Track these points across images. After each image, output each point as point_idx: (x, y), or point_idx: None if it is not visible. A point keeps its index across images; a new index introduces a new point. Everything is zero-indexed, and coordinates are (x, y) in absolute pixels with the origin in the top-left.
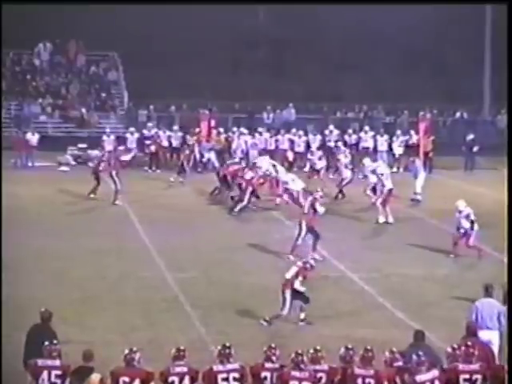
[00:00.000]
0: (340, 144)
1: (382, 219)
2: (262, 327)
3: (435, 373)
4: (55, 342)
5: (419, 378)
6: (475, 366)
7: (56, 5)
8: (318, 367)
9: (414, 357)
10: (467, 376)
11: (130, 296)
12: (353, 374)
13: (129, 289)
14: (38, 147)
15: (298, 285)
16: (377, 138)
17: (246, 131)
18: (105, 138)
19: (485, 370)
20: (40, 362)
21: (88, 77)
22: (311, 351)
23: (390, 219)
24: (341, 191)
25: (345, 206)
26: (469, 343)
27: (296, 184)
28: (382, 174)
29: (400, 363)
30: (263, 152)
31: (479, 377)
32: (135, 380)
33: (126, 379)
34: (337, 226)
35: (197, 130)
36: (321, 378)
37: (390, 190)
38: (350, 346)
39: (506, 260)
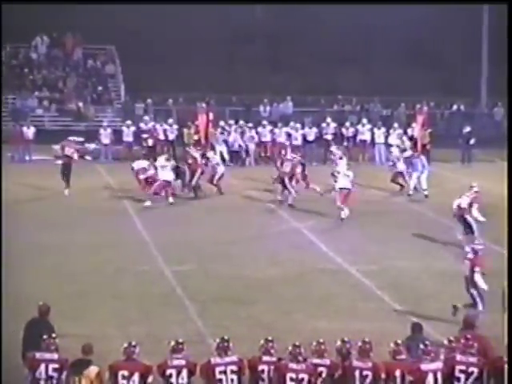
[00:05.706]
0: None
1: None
2: (259, 320)
3: (439, 365)
4: (53, 335)
5: (424, 366)
6: (473, 359)
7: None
8: (319, 361)
9: (421, 345)
10: (463, 367)
11: (127, 290)
12: (351, 366)
13: (126, 282)
14: (34, 141)
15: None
16: (374, 130)
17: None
18: (101, 131)
19: (482, 365)
20: (38, 354)
21: (85, 70)
22: (314, 343)
23: None
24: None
25: None
26: (468, 336)
27: None
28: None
29: (403, 356)
30: (261, 145)
31: (476, 370)
32: (134, 373)
33: (125, 373)
34: (334, 218)
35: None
36: (321, 372)
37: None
38: (346, 339)
39: (505, 261)
